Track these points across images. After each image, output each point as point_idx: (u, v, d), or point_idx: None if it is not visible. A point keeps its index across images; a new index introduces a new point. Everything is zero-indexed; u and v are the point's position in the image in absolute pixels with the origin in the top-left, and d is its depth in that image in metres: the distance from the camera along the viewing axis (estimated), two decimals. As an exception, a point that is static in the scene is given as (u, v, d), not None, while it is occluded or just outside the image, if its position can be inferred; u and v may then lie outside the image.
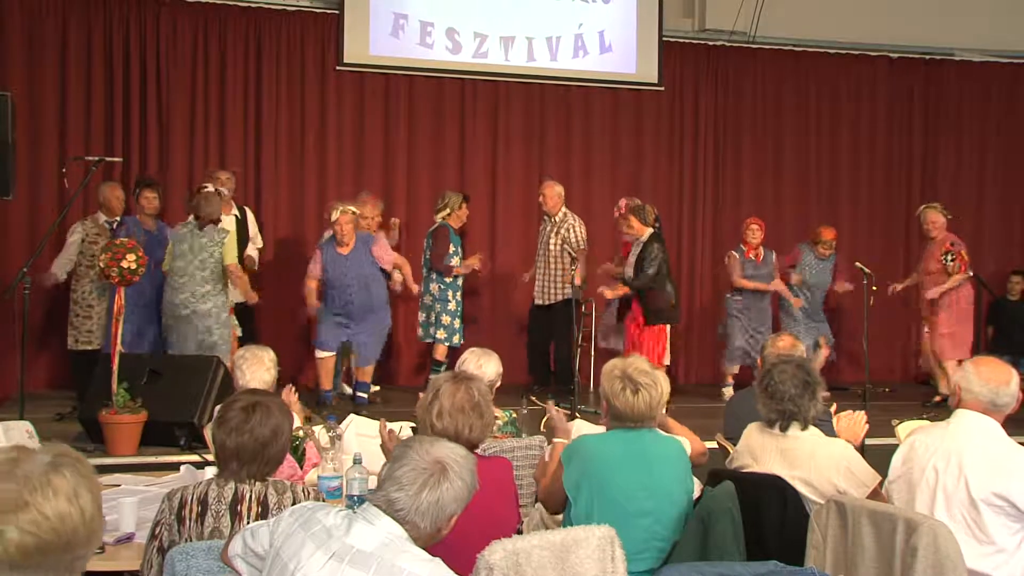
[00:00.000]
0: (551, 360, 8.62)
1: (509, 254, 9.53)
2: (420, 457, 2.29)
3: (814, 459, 3.56)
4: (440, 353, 8.17)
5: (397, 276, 7.96)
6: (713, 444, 4.66)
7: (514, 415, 4.70)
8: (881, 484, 3.58)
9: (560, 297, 8.39)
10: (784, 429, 3.65)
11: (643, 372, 3.42)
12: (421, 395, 3.28)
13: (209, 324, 6.86)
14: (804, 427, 3.64)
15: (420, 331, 8.32)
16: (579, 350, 8.36)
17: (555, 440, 3.78)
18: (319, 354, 7.68)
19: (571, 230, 8.39)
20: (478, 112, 9.53)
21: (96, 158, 7.20)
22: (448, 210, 8.28)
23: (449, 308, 8.19)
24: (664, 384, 3.57)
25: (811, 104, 10.33)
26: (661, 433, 3.52)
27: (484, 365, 4.40)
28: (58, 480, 1.59)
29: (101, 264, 5.95)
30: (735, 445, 3.93)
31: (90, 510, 1.61)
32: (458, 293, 8.26)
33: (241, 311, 7.67)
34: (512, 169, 9.63)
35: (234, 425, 2.89)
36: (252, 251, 8.14)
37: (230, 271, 6.92)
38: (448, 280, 8.17)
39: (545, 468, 3.65)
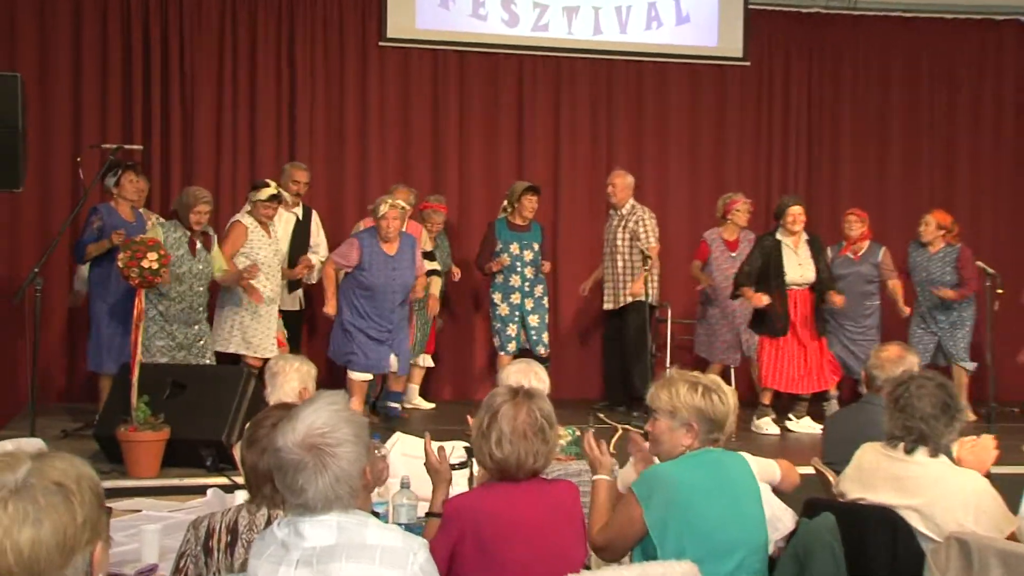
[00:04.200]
0: (625, 372, 8.58)
1: (574, 252, 9.51)
2: (289, 455, 2.40)
3: (939, 491, 3.49)
4: (501, 365, 8.21)
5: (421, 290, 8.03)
6: (809, 470, 4.59)
7: (579, 434, 4.68)
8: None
9: (632, 300, 8.35)
10: (909, 451, 3.58)
11: (707, 378, 3.42)
12: (470, 417, 3.26)
13: (154, 331, 6.87)
14: (933, 454, 3.58)
15: (497, 340, 8.51)
16: (653, 361, 8.35)
17: (630, 467, 3.71)
18: (357, 376, 7.55)
19: (640, 223, 8.36)
20: (538, 92, 9.53)
21: (114, 146, 7.28)
22: (506, 202, 8.51)
23: (497, 313, 8.41)
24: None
25: (923, 79, 10.13)
26: (728, 451, 3.49)
27: (536, 382, 4.36)
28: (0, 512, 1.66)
29: (120, 264, 6.05)
30: (836, 471, 3.86)
31: (30, 551, 1.67)
32: (494, 295, 8.45)
33: (287, 315, 7.81)
34: (577, 156, 9.63)
35: (265, 444, 2.87)
36: (314, 259, 8.17)
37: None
38: (494, 285, 8.40)
39: (600, 507, 3.50)
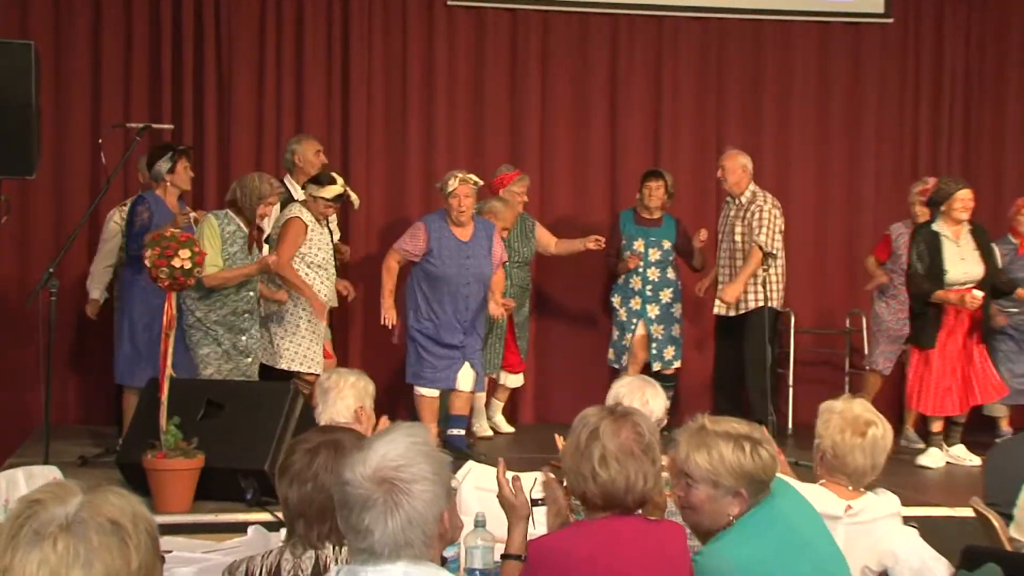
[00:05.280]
0: (741, 389, 8.56)
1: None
2: (357, 490, 2.40)
3: None
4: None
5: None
6: (967, 511, 4.50)
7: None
8: None
9: (753, 304, 8.31)
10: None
11: (744, 425, 3.35)
12: (560, 438, 3.24)
13: (198, 338, 6.89)
14: None
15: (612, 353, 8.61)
16: (775, 378, 8.36)
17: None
18: (423, 392, 7.60)
19: (760, 214, 8.27)
20: (635, 58, 9.46)
21: (140, 125, 7.37)
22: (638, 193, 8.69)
23: (617, 318, 8.58)
24: None
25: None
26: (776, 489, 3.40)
27: (651, 399, 4.35)
28: (48, 549, 1.69)
29: (147, 262, 6.06)
30: (1001, 514, 3.78)
31: None
32: (614, 298, 8.55)
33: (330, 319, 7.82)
34: (680, 133, 9.55)
35: (295, 472, 2.95)
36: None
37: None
38: (613, 286, 8.60)
39: None
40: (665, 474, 3.46)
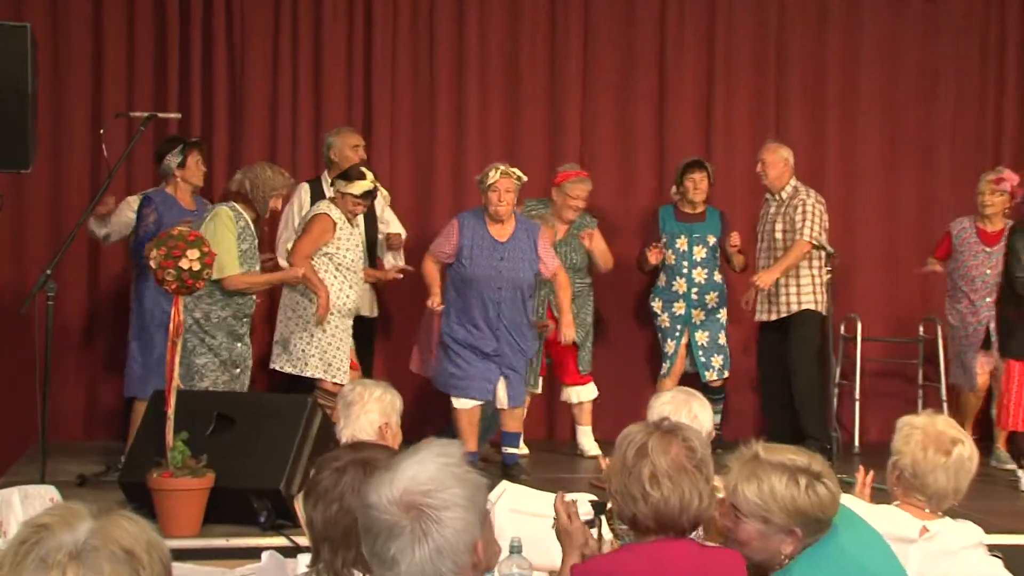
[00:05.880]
0: (789, 402, 8.53)
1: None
2: (382, 515, 2.38)
3: None
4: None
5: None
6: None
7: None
8: None
9: (796, 307, 8.32)
10: None
11: (803, 455, 3.32)
12: (601, 458, 3.24)
13: (193, 344, 6.88)
14: None
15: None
16: (837, 390, 8.31)
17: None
18: (461, 403, 7.60)
19: (803, 207, 8.25)
20: (685, 30, 9.39)
21: (145, 114, 7.35)
22: (674, 187, 8.59)
23: (658, 324, 8.55)
24: None
25: None
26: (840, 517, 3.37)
27: (699, 413, 4.35)
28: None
29: (152, 263, 6.05)
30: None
31: None
32: (653, 302, 8.53)
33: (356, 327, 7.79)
34: (734, 114, 9.48)
35: (321, 492, 2.94)
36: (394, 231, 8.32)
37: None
38: (653, 288, 8.55)
39: None
40: (721, 494, 3.45)
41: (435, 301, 7.61)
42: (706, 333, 8.47)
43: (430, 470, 2.40)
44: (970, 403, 8.47)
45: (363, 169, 7.53)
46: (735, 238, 8.47)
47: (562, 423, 9.14)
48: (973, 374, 8.37)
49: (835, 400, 8.51)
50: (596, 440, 8.29)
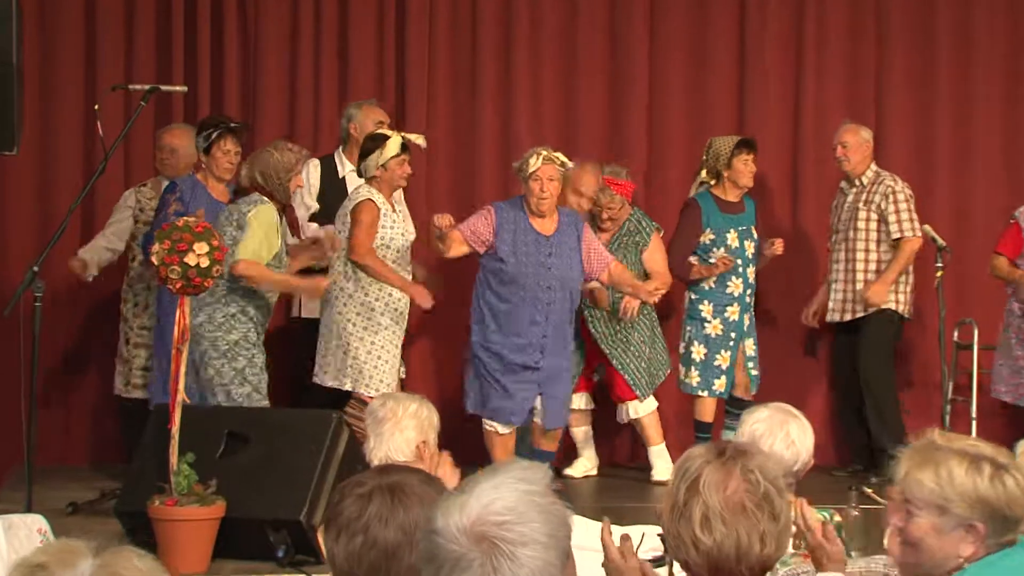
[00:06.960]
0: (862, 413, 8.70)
1: (810, 238, 9.46)
2: (449, 544, 2.36)
3: None
4: (703, 412, 8.23)
5: (602, 292, 8.07)
6: None
7: (837, 518, 4.70)
8: None
9: (871, 309, 8.33)
10: None
11: (989, 446, 3.30)
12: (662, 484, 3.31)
13: (204, 349, 6.99)
14: None
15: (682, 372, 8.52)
16: (949, 407, 8.57)
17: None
18: (495, 427, 7.67)
19: (894, 196, 8.28)
20: (768, 4, 9.42)
21: (146, 87, 7.49)
22: (705, 171, 8.51)
23: (703, 332, 8.40)
24: None
25: None
26: None
27: (798, 437, 4.41)
28: None
29: (154, 259, 6.17)
30: None
31: None
32: (701, 306, 8.50)
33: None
34: (826, 89, 9.48)
35: (343, 522, 2.95)
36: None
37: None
38: (699, 289, 8.43)
39: None
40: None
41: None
42: (751, 340, 8.57)
43: (509, 498, 2.37)
44: None
45: (381, 130, 7.61)
46: (779, 245, 8.51)
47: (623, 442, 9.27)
48: None
49: (947, 419, 8.53)
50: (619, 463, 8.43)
